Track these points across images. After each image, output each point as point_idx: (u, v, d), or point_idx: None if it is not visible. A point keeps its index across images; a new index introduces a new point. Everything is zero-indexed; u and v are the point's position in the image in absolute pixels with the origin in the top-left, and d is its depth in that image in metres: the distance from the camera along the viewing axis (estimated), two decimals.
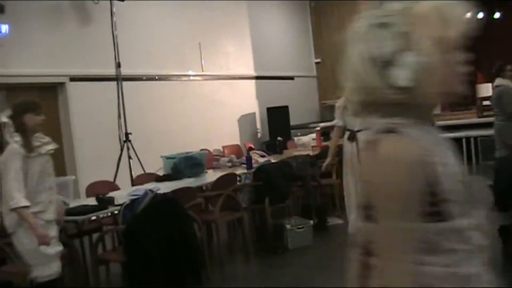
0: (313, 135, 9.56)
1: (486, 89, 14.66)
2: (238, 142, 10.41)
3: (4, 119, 3.83)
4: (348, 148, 5.93)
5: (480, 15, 16.43)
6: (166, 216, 4.34)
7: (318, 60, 13.49)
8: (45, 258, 3.86)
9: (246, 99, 10.93)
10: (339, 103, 6.21)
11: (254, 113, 11.13)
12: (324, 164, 6.54)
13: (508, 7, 16.18)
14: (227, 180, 6.03)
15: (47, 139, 4.01)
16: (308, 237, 6.36)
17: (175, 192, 5.10)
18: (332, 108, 13.11)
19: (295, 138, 9.56)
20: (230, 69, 10.44)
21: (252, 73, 11.10)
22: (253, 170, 6.76)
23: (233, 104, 10.44)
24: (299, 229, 6.32)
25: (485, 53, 16.70)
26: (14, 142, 3.79)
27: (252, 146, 9.90)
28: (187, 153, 6.60)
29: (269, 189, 6.26)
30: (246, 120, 10.86)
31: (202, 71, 9.62)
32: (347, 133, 6.01)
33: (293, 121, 11.52)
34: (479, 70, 16.23)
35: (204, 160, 6.74)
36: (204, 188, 6.21)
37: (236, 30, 10.76)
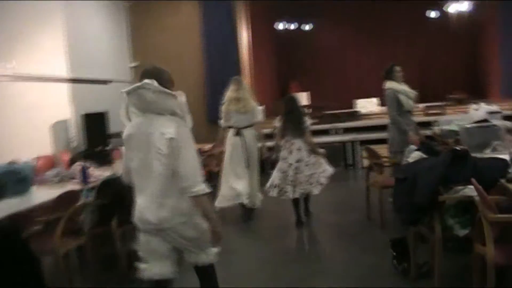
0: None
1: (301, 98, 14.78)
2: (51, 152, 8.94)
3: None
4: (232, 141, 7.30)
5: (292, 26, 16.73)
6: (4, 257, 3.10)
7: (135, 64, 12.40)
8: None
9: (59, 104, 9.51)
10: (224, 108, 7.41)
11: (68, 120, 9.73)
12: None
13: (318, 19, 16.61)
14: (69, 198, 4.81)
15: None
16: None
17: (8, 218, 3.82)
18: None
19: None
20: (42, 69, 8.96)
21: (66, 75, 9.70)
22: (90, 185, 5.65)
23: (45, 109, 8.96)
24: None
25: (298, 63, 17.04)
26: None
27: (68, 157, 8.63)
28: (9, 164, 5.21)
29: (118, 207, 5.15)
30: (59, 127, 9.43)
31: (10, 69, 8.05)
32: (232, 130, 7.34)
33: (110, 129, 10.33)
34: (293, 80, 16.44)
35: (31, 174, 5.41)
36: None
37: (50, 28, 9.30)
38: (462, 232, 4.01)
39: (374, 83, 15.13)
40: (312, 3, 15.15)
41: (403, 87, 6.86)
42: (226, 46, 12.25)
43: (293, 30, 16.91)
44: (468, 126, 5.54)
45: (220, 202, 7.26)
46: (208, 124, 11.92)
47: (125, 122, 3.34)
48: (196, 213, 3.26)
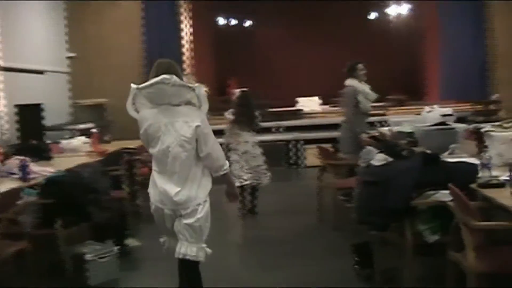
0: (83, 138, 8.10)
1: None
2: None
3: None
4: None
5: (232, 22, 16.48)
6: None
7: (72, 55, 11.84)
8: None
9: None
10: None
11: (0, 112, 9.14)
12: None
13: (258, 15, 16.45)
14: (9, 198, 4.41)
15: None
16: (114, 268, 5.03)
17: None
18: (84, 108, 11.70)
19: (63, 142, 7.96)
20: None
21: None
22: (32, 182, 5.23)
23: None
24: (102, 259, 4.96)
25: (238, 59, 16.79)
26: None
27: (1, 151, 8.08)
28: None
29: (64, 207, 4.78)
30: None
31: None
32: None
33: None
34: (234, 76, 16.17)
35: None
36: None
37: None
38: (432, 238, 3.90)
39: (315, 82, 15.23)
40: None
41: (364, 87, 6.76)
42: (168, 41, 11.87)
43: (234, 26, 16.68)
44: (428, 128, 5.47)
45: None
46: None
47: (132, 114, 3.60)
48: (208, 200, 3.61)
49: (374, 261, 4.49)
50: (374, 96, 6.98)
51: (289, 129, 11.57)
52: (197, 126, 3.48)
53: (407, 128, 6.92)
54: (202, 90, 3.56)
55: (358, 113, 6.80)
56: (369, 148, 5.36)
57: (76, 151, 7.69)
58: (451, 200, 3.70)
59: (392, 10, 15.86)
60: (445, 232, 3.90)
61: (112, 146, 7.91)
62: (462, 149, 5.32)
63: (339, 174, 6.44)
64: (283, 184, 8.69)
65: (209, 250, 3.63)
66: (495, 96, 11.58)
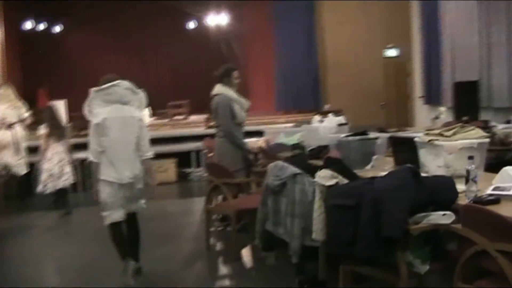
0: None
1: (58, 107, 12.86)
2: None
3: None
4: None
5: (41, 27, 14.67)
6: None
7: None
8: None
9: None
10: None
11: None
12: None
13: (69, 20, 14.91)
14: None
15: None
16: None
17: None
18: None
19: None
20: None
21: None
22: None
23: None
24: None
25: (48, 66, 14.93)
26: None
27: None
28: None
29: None
30: None
31: None
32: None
33: None
34: (42, 87, 14.27)
35: None
36: None
37: None
38: (424, 269, 3.27)
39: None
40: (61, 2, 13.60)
41: (236, 96, 5.99)
42: None
43: (42, 31, 14.93)
44: (350, 139, 4.87)
45: None
46: None
47: (87, 115, 4.55)
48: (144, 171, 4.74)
49: None
50: (248, 104, 6.27)
51: None
52: (140, 120, 4.67)
53: (291, 140, 6.35)
54: (143, 93, 4.71)
55: (234, 125, 6.02)
56: (280, 162, 4.62)
57: None
58: (452, 223, 3.13)
59: (212, 20, 15.26)
60: (433, 260, 3.33)
61: None
62: (382, 161, 4.84)
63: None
64: None
65: (144, 206, 4.82)
66: (327, 106, 11.59)
